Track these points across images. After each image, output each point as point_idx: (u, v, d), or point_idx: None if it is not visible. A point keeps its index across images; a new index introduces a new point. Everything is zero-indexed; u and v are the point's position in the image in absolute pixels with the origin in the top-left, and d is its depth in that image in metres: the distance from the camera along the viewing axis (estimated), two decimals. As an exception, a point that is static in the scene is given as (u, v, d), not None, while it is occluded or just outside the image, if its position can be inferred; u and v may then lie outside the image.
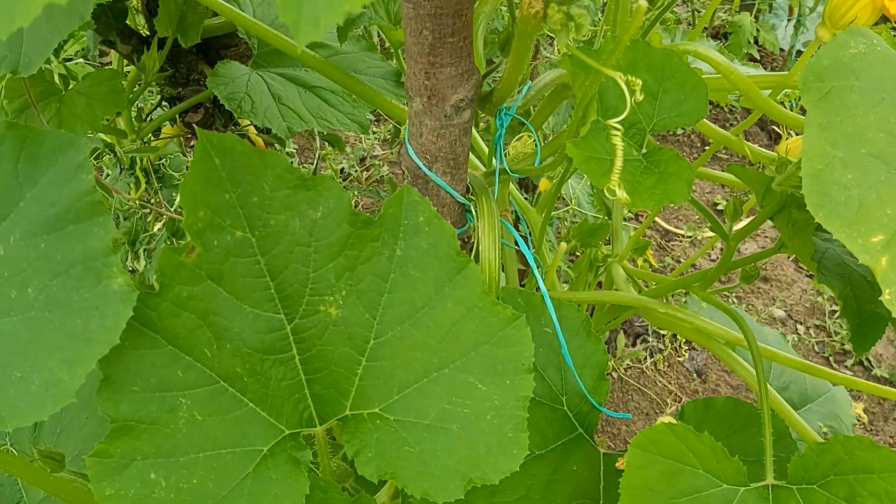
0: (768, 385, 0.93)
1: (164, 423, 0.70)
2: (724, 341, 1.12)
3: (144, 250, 1.29)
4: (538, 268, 1.24)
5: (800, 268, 3.58)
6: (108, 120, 1.54)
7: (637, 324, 3.28)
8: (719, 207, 3.90)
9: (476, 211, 0.95)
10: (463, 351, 0.75)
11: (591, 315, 1.47)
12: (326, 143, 2.00)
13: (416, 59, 0.80)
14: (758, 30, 3.87)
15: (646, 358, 3.13)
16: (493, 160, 0.99)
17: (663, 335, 3.25)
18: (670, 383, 3.10)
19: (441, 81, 0.81)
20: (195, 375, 0.72)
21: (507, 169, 0.96)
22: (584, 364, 0.94)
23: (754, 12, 4.06)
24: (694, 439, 0.74)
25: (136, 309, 0.68)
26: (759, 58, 4.24)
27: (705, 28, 4.42)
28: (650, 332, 3.23)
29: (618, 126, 0.74)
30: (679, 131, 4.21)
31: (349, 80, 1.10)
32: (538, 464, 0.86)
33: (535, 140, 0.97)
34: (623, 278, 1.27)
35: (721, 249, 3.72)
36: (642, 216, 3.72)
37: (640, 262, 3.05)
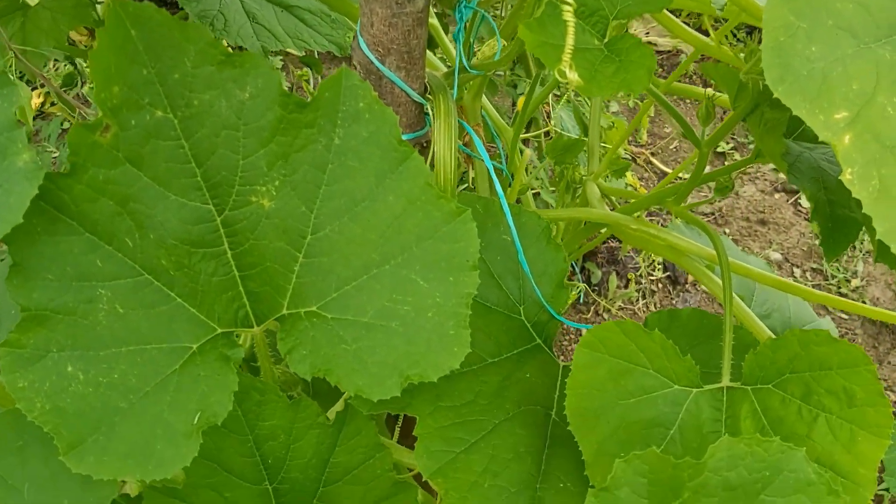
0: (737, 297, 0.89)
1: (81, 315, 0.66)
2: (697, 258, 1.08)
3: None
4: (503, 177, 1.19)
5: (798, 211, 3.52)
6: (85, 46, 1.48)
7: (629, 265, 3.23)
8: (719, 150, 3.83)
9: (433, 111, 0.90)
10: (405, 246, 0.71)
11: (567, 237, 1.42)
12: (304, 65, 1.93)
13: (363, -64, 0.74)
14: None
15: (637, 299, 3.09)
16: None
17: (657, 279, 3.21)
18: (663, 325, 3.07)
19: (390, -37, 0.75)
20: (116, 266, 0.68)
21: (467, 65, 0.90)
22: (542, 272, 0.90)
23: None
24: (644, 337, 0.70)
25: (49, 192, 0.64)
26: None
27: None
28: (642, 274, 3.19)
29: (570, 2, 0.68)
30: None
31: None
32: (490, 371, 0.82)
33: (497, 33, 0.91)
34: (597, 196, 1.22)
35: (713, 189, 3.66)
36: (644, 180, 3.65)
37: (630, 178, 3.00)
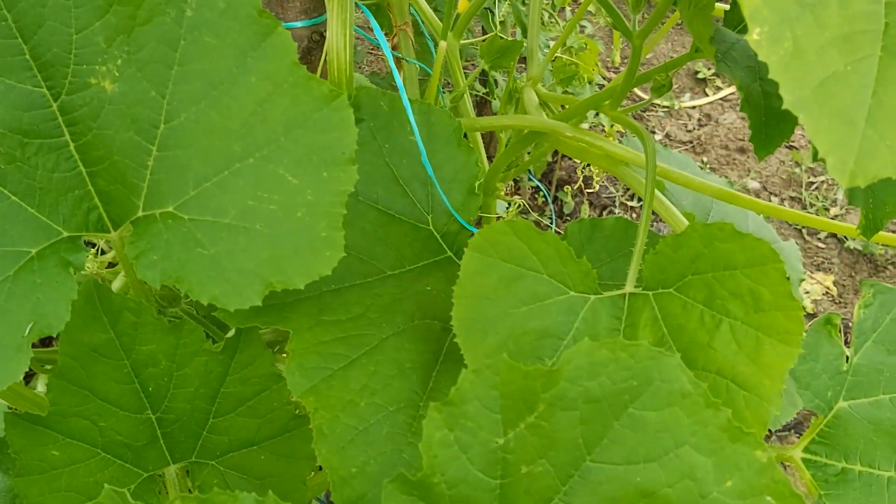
0: (665, 199, 0.81)
1: None
2: (637, 167, 1.00)
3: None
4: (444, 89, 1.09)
5: (778, 139, 3.42)
6: None
7: (604, 195, 3.15)
8: (700, 76, 3.71)
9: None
10: (271, 137, 0.62)
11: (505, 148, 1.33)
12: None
13: None
14: None
15: (611, 229, 3.01)
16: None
17: (631, 207, 3.13)
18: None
19: None
20: (-69, 158, 0.59)
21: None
22: (453, 178, 0.81)
23: None
24: (537, 239, 0.62)
25: None
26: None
27: None
28: (616, 203, 3.11)
29: None
30: None
31: None
32: (387, 284, 0.74)
33: None
34: (535, 103, 1.12)
35: (699, 120, 3.56)
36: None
37: (607, 128, 2.90)
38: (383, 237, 0.78)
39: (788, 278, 0.53)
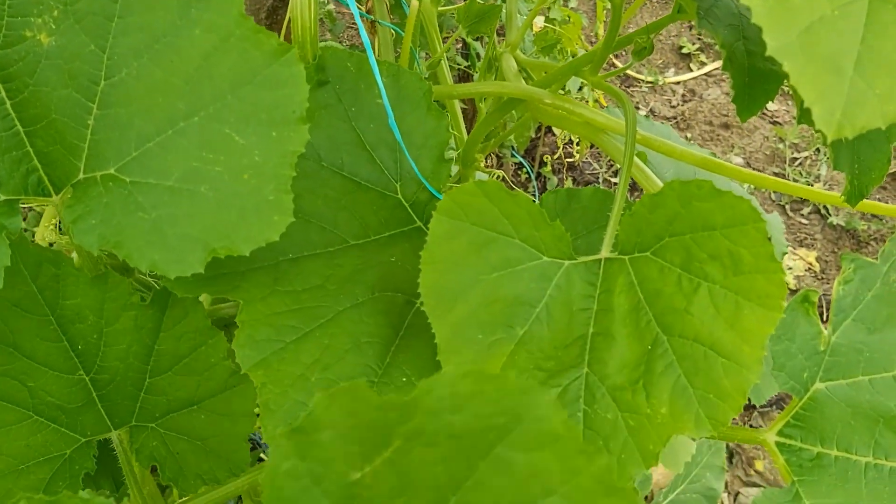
0: (643, 165, 0.77)
1: None
2: (617, 135, 0.96)
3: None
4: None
5: (763, 115, 3.40)
6: None
7: (587, 172, 3.12)
8: (684, 51, 3.67)
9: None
10: (217, 94, 0.58)
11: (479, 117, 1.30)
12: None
13: None
14: None
15: (594, 206, 2.98)
16: None
17: (615, 183, 3.09)
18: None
19: None
20: None
21: None
22: (422, 144, 0.78)
23: None
24: (509, 201, 0.58)
25: None
26: None
27: None
28: (600, 180, 3.08)
29: None
30: None
31: None
32: (349, 254, 0.71)
33: None
34: (514, 70, 1.08)
35: (683, 95, 3.53)
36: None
37: (591, 103, 2.86)
38: (347, 205, 0.75)
39: (770, 238, 0.50)
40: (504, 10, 1.17)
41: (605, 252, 0.60)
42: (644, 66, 3.60)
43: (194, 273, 0.55)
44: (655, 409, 0.55)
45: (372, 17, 1.09)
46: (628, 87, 3.53)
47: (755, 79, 0.71)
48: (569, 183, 3.02)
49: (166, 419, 0.72)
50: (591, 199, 0.81)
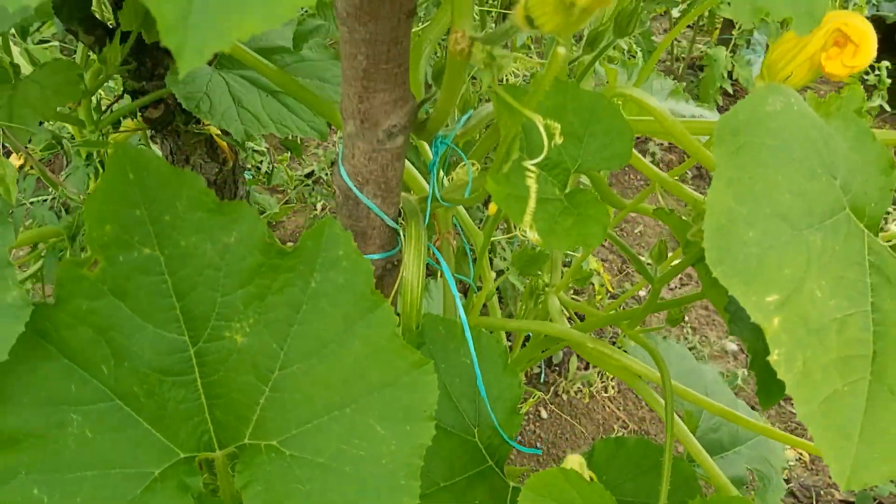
0: (682, 423, 0.94)
1: (52, 439, 0.69)
2: (649, 380, 1.13)
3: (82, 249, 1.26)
4: (464, 295, 1.24)
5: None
6: (70, 108, 1.49)
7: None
8: (687, 239, 3.92)
9: (405, 235, 0.95)
10: (366, 391, 0.75)
11: (527, 343, 1.47)
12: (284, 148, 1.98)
13: (351, 82, 0.79)
14: (733, 64, 3.89)
15: (596, 382, 3.13)
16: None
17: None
18: (619, 409, 3.12)
19: (374, 106, 0.80)
20: (90, 391, 0.71)
21: (439, 196, 0.95)
22: (498, 397, 0.94)
23: (731, 47, 4.09)
24: (585, 486, 0.74)
25: (33, 318, 0.67)
26: (732, 92, 4.25)
27: (684, 57, 4.44)
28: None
29: (534, 168, 0.73)
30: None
31: (301, 91, 1.09)
32: (443, 495, 0.86)
33: (469, 170, 0.96)
34: (557, 309, 1.27)
35: (681, 279, 3.74)
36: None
37: (597, 286, 3.06)
38: (438, 451, 0.90)
39: None
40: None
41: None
42: (644, 247, 3.84)
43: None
44: None
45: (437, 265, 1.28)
46: (630, 267, 3.76)
47: (773, 376, 0.88)
48: (574, 358, 3.17)
49: None
50: (636, 447, 0.97)
